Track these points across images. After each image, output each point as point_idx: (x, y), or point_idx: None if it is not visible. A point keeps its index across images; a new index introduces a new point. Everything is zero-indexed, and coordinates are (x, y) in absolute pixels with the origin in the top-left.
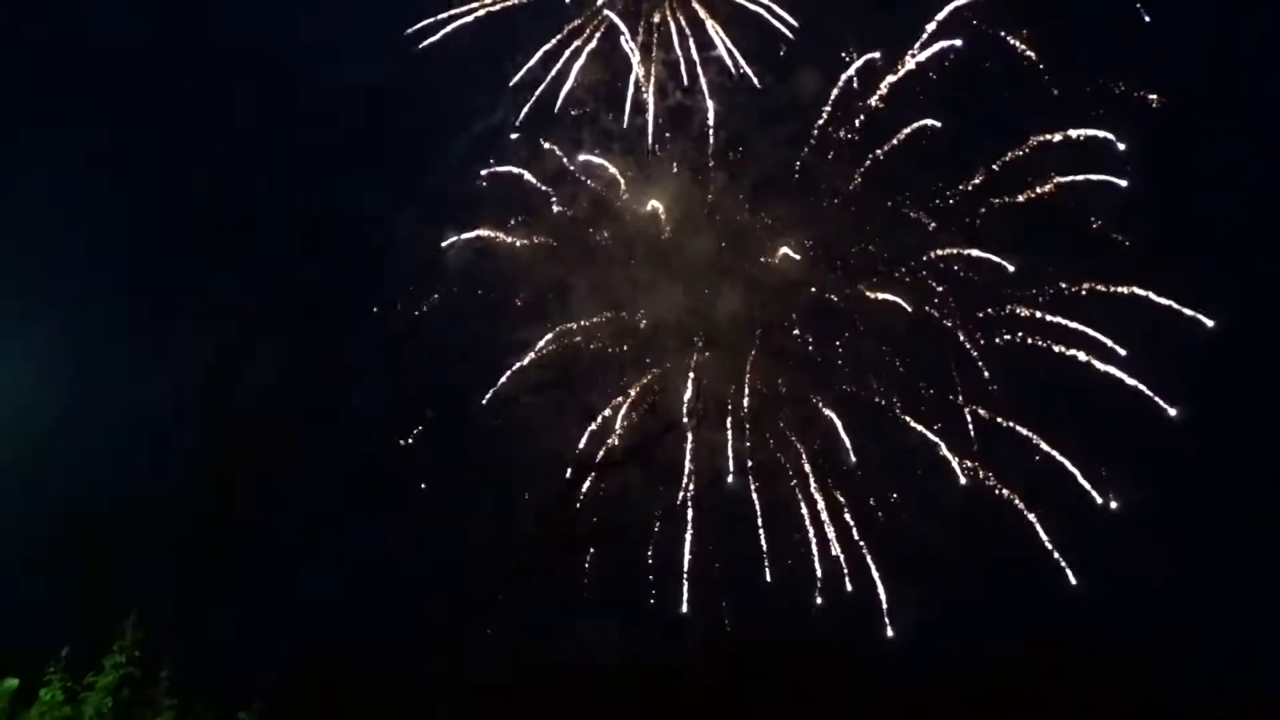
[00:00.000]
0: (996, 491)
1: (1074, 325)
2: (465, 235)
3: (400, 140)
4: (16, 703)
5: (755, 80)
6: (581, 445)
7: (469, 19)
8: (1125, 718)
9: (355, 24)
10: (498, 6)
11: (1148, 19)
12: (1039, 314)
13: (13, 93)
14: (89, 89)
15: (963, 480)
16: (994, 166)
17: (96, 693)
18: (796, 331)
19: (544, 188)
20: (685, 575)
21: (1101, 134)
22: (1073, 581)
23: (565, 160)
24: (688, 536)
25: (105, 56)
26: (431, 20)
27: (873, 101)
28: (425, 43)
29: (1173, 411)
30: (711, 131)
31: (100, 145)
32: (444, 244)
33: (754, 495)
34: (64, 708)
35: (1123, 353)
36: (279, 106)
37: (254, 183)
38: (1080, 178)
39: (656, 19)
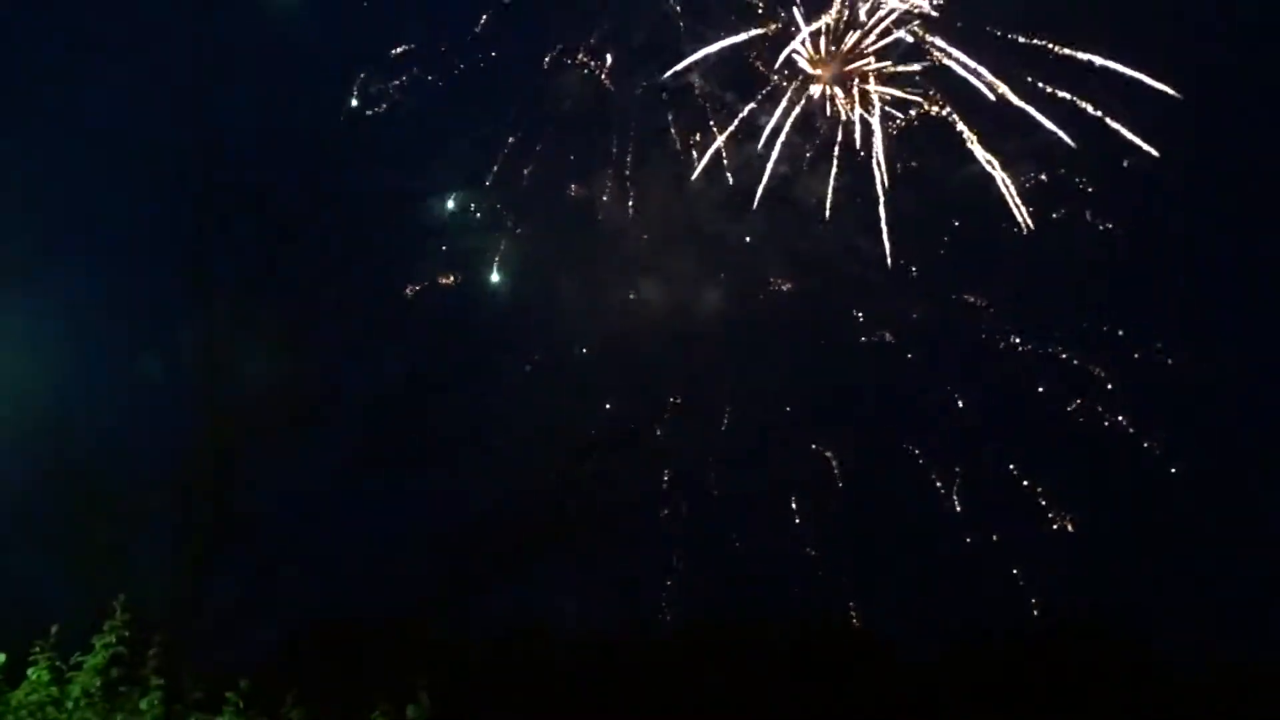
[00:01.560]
0: (973, 505)
1: (1051, 353)
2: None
3: (399, 145)
4: (3, 682)
5: (729, 108)
6: (575, 432)
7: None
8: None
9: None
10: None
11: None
12: (1018, 345)
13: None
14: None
15: (941, 492)
16: (975, 202)
17: (84, 672)
18: (786, 343)
19: (535, 198)
20: (675, 563)
21: (1078, 179)
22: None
23: (557, 174)
24: (678, 523)
25: (105, 43)
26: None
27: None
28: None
29: (1145, 443)
30: (694, 153)
31: (100, 128)
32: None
33: (745, 491)
34: (50, 688)
35: (1101, 376)
36: (278, 100)
37: (252, 168)
38: (1059, 214)
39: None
